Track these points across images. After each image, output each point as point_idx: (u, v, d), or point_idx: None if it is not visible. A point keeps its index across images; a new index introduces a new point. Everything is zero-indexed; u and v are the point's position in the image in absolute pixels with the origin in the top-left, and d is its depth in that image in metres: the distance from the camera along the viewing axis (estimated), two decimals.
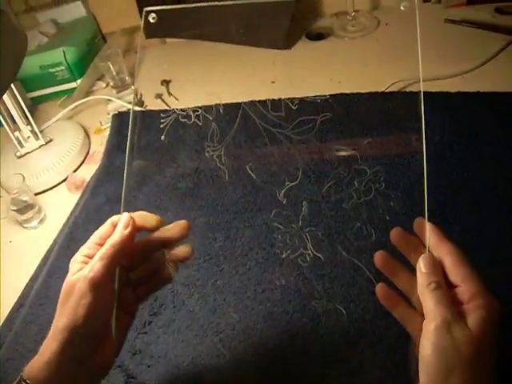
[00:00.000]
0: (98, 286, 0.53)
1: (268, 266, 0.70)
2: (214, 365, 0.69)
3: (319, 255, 0.61)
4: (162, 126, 0.69)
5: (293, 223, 0.62)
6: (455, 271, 0.50)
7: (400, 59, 1.07)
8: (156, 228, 0.61)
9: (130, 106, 1.20)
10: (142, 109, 1.20)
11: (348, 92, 1.02)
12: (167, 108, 1.18)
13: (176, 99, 1.21)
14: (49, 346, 0.52)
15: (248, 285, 0.71)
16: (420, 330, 0.50)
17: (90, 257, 0.56)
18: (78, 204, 1.00)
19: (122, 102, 1.21)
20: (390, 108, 0.96)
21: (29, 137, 1.12)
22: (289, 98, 0.69)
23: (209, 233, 0.84)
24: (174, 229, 0.60)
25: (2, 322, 0.84)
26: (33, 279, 0.89)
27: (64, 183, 1.10)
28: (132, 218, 0.60)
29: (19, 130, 1.11)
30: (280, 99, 0.97)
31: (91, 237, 0.59)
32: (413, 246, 0.54)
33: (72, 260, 0.58)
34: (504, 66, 1.05)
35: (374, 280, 0.58)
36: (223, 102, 1.03)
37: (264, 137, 0.67)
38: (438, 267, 0.51)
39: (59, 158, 1.11)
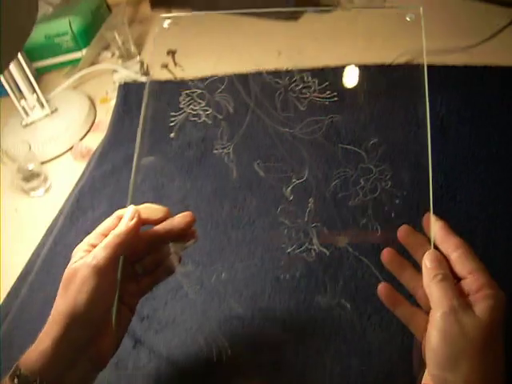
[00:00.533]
0: (101, 273, 0.53)
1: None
2: (221, 330, 0.69)
3: (324, 250, 0.62)
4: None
5: (299, 218, 0.64)
6: (462, 264, 0.51)
7: (407, 31, 1.06)
8: (162, 220, 0.62)
9: (135, 76, 1.19)
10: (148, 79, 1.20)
11: (355, 63, 1.02)
12: (173, 78, 1.17)
13: (182, 69, 1.21)
14: (48, 333, 0.52)
15: (255, 252, 0.71)
16: (424, 328, 0.51)
17: (94, 246, 0.56)
18: (84, 173, 1.00)
19: (127, 72, 1.20)
20: (396, 80, 0.95)
21: (34, 106, 1.12)
22: (296, 70, 0.71)
23: (216, 201, 0.84)
24: (179, 220, 0.61)
25: (8, 289, 0.84)
26: (39, 247, 0.90)
27: (70, 152, 1.10)
28: (138, 210, 0.60)
29: (25, 98, 1.10)
30: (287, 70, 0.97)
31: (96, 228, 0.60)
32: (420, 244, 0.55)
33: (76, 248, 0.58)
34: (510, 41, 1.05)
35: (379, 275, 0.60)
36: (229, 72, 1.04)
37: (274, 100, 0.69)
38: (443, 262, 0.52)
39: (65, 127, 1.11)
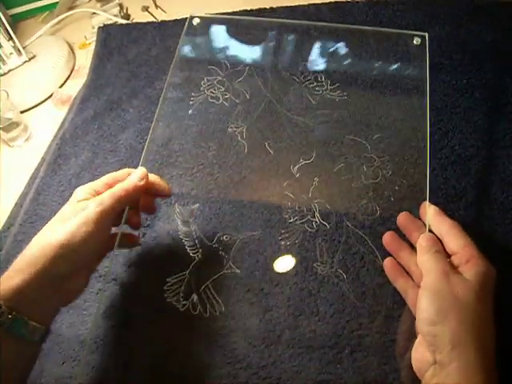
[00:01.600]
0: (102, 219, 0.56)
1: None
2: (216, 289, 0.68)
3: (325, 223, 0.67)
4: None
5: (303, 194, 0.69)
6: (454, 241, 0.56)
7: None
8: (163, 195, 0.68)
9: (115, 19, 1.15)
10: (129, 22, 1.16)
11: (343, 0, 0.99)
12: (154, 20, 1.13)
13: (163, 11, 1.16)
14: (30, 265, 0.53)
15: (259, 219, 0.71)
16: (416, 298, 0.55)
17: (98, 193, 0.60)
18: (65, 119, 0.97)
19: (107, 15, 1.15)
20: (385, 17, 0.93)
21: (11, 53, 1.07)
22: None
23: (201, 142, 0.82)
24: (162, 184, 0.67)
25: None
26: (21, 197, 0.87)
27: (50, 100, 1.06)
28: (147, 174, 0.65)
29: (1, 46, 1.06)
30: (272, 8, 0.94)
31: (103, 176, 0.63)
32: (416, 229, 0.61)
33: (79, 188, 0.61)
34: None
35: (375, 250, 0.66)
36: (215, 11, 1.00)
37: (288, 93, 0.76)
38: (437, 241, 0.57)
39: (44, 74, 1.07)
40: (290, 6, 1.00)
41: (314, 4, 0.99)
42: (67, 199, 0.81)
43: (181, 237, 0.71)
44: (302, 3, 1.00)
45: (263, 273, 0.67)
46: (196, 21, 0.83)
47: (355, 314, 0.63)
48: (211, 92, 0.77)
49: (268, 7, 1.01)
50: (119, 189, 0.60)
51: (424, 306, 0.52)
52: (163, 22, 1.10)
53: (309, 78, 0.77)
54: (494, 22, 0.87)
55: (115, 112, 0.93)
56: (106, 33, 1.09)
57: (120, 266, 0.73)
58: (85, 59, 1.12)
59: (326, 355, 0.61)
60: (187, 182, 0.76)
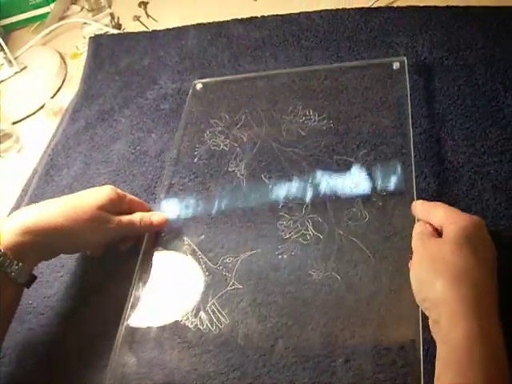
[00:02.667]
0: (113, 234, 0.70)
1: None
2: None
3: (318, 234, 0.70)
4: None
5: (297, 212, 0.72)
6: (436, 216, 0.58)
7: None
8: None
9: (106, 29, 1.15)
10: (120, 31, 1.16)
11: (333, 8, 0.99)
12: (146, 29, 1.13)
13: (155, 20, 1.16)
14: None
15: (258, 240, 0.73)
16: None
17: (120, 208, 0.71)
18: (57, 130, 0.97)
19: (98, 25, 1.16)
20: (376, 24, 0.93)
21: (2, 64, 1.08)
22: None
23: (193, 151, 0.83)
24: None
25: None
26: (14, 210, 0.87)
27: (42, 110, 1.05)
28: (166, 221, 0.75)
29: None
30: (263, 16, 0.94)
31: (130, 196, 0.74)
32: None
33: (111, 192, 0.70)
34: None
35: (367, 251, 0.66)
36: (204, 21, 1.01)
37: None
38: (422, 224, 0.60)
39: (35, 85, 1.07)
40: (281, 15, 1.00)
41: (305, 12, 1.00)
42: None
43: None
44: (292, 11, 1.00)
45: (261, 285, 0.68)
46: (199, 86, 0.92)
47: (348, 323, 0.62)
48: (213, 141, 0.84)
49: (259, 15, 1.01)
50: (136, 221, 0.71)
51: (412, 281, 0.56)
52: (154, 31, 1.10)
53: (298, 114, 0.83)
54: (486, 27, 0.86)
55: (107, 122, 0.93)
56: (98, 43, 1.09)
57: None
58: (76, 69, 1.12)
59: (320, 364, 0.60)
60: (193, 215, 0.77)
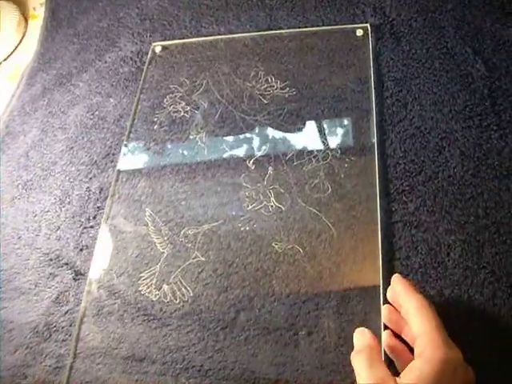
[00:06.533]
0: None
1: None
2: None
3: (280, 206, 0.68)
4: None
5: (259, 183, 0.71)
6: (416, 324, 0.49)
7: None
8: None
9: None
10: None
11: None
12: None
13: None
14: None
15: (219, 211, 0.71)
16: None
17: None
18: (12, 96, 0.93)
19: None
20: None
21: None
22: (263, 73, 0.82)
23: (153, 117, 0.81)
24: None
25: None
26: None
27: None
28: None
29: None
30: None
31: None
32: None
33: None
34: None
35: (329, 224, 0.65)
36: None
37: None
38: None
39: None
40: None
41: None
42: (16, 180, 0.79)
43: (151, 234, 0.70)
44: None
45: (222, 256, 0.66)
46: (158, 48, 0.89)
47: (311, 294, 0.61)
48: (173, 107, 0.81)
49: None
50: None
51: None
52: None
53: (260, 81, 0.81)
54: None
55: (64, 87, 0.89)
56: (55, 3, 1.04)
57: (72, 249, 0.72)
58: (33, 31, 1.06)
59: (283, 337, 0.60)
60: (154, 184, 0.75)
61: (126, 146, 0.79)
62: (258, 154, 0.74)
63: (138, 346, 0.63)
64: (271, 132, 0.75)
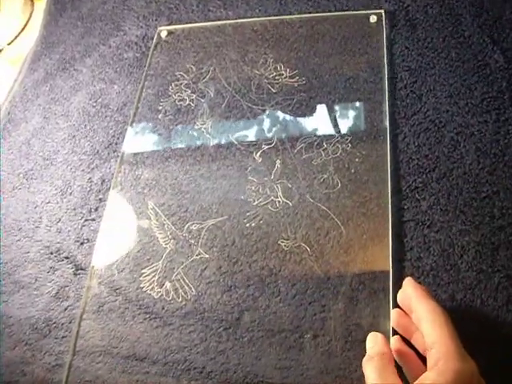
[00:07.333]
0: None
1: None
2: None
3: (288, 201, 0.66)
4: None
5: (266, 176, 0.68)
6: (429, 333, 0.47)
7: None
8: None
9: None
10: None
11: None
12: None
13: None
14: None
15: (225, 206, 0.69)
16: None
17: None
18: (15, 80, 0.90)
19: None
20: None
21: None
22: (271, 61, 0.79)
23: (158, 105, 0.79)
24: None
25: None
26: None
27: None
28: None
29: None
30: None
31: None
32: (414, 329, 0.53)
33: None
34: None
35: (338, 222, 0.63)
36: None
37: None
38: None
39: None
40: None
41: None
42: (17, 169, 0.77)
43: (153, 228, 0.68)
44: None
45: (226, 253, 0.64)
46: (164, 33, 0.86)
47: (318, 296, 0.59)
48: (178, 96, 0.79)
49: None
50: None
51: None
52: None
53: (269, 68, 0.78)
54: None
55: (67, 72, 0.87)
56: None
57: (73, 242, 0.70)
58: (37, 15, 1.04)
59: (287, 340, 0.58)
60: (157, 176, 0.73)
61: (131, 127, 0.77)
62: (266, 146, 0.71)
63: (138, 346, 0.61)
64: (280, 121, 0.73)
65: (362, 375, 0.49)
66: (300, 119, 0.72)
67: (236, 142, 0.73)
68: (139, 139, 0.76)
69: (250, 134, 0.73)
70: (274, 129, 0.72)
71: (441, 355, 0.45)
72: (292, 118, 0.73)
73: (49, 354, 0.63)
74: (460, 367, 0.43)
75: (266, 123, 0.73)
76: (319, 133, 0.70)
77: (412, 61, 0.72)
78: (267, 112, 0.74)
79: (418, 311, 0.50)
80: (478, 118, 0.66)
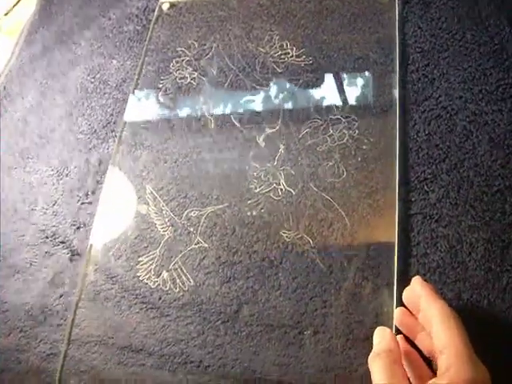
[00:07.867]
0: None
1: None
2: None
3: (291, 190, 0.64)
4: None
5: (269, 162, 0.66)
6: (440, 336, 0.45)
7: None
8: None
9: None
10: None
11: None
12: None
13: None
14: None
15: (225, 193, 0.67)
16: None
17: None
18: (12, 53, 0.87)
19: None
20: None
21: None
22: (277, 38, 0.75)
23: (158, 83, 0.76)
24: None
25: None
26: None
27: None
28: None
29: None
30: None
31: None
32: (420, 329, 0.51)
33: None
34: None
35: (342, 213, 0.61)
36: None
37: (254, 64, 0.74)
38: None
39: None
40: None
41: None
42: (12, 147, 0.75)
43: (151, 214, 0.66)
44: None
45: (226, 242, 0.62)
46: (165, 6, 0.83)
47: (320, 290, 0.57)
48: (179, 73, 0.76)
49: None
50: None
51: None
52: None
53: (275, 46, 0.75)
54: None
55: (65, 45, 0.84)
56: None
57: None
58: None
59: (287, 335, 0.56)
60: (156, 159, 0.70)
61: (130, 105, 0.75)
62: (269, 130, 0.68)
63: (134, 336, 0.60)
64: (285, 103, 0.70)
65: (367, 373, 0.47)
66: (307, 93, 0.70)
67: (238, 125, 0.70)
68: (138, 119, 0.73)
69: (253, 120, 0.70)
70: (275, 120, 0.69)
71: (452, 362, 0.43)
72: (300, 89, 0.70)
73: (44, 342, 0.62)
74: (472, 377, 0.41)
75: (268, 114, 0.70)
76: (325, 117, 0.67)
77: (425, 42, 0.69)
78: (269, 100, 0.71)
79: (427, 311, 0.48)
80: (493, 106, 0.62)
